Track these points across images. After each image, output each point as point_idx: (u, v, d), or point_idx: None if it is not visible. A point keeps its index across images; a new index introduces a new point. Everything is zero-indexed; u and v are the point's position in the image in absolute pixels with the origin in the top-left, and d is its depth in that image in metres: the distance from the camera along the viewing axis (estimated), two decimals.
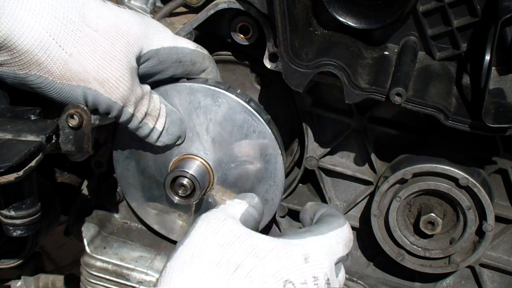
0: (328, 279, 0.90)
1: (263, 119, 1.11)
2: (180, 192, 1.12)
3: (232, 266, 0.83)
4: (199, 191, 1.11)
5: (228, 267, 0.83)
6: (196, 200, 1.13)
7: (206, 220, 0.90)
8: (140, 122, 1.03)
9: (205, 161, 1.13)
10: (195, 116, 1.11)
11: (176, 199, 1.12)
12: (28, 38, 0.87)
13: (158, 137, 1.07)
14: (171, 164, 1.14)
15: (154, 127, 1.05)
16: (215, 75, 1.16)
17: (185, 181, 1.10)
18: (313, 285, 0.87)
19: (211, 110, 1.10)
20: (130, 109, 1.00)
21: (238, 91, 1.12)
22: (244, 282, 0.82)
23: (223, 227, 0.88)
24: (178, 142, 1.12)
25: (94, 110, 0.97)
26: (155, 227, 1.28)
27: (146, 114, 1.03)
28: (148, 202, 1.24)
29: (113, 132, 1.26)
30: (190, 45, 1.09)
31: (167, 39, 1.05)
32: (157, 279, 0.87)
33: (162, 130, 1.07)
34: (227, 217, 0.91)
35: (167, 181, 1.11)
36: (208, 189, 1.16)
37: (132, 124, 1.03)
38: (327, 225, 0.97)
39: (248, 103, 1.10)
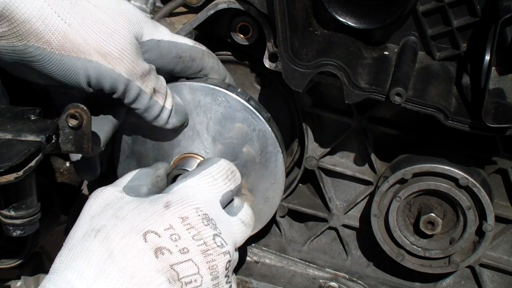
0: (205, 214, 0.88)
1: (263, 117, 1.11)
2: None
3: (94, 232, 0.84)
4: None
5: (91, 234, 0.84)
6: None
7: (89, 198, 0.91)
8: (150, 99, 0.98)
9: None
10: (195, 115, 1.11)
11: None
12: (26, 7, 0.85)
13: (169, 117, 1.03)
14: (172, 163, 1.14)
15: (164, 106, 1.01)
16: (218, 70, 1.13)
17: None
18: (183, 225, 0.86)
19: (211, 109, 1.09)
20: (137, 83, 0.95)
21: (238, 89, 1.12)
22: (104, 244, 0.82)
23: (97, 200, 0.90)
24: (184, 124, 1.09)
25: (99, 90, 0.94)
26: None
27: (154, 91, 0.99)
28: None
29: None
30: (188, 41, 1.08)
31: (167, 34, 1.04)
32: None
33: (171, 109, 1.03)
34: (107, 188, 0.92)
35: (169, 179, 1.11)
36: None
37: (142, 102, 0.97)
38: (201, 167, 0.97)
39: (248, 101, 1.10)
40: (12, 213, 0.89)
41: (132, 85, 0.95)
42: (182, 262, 0.83)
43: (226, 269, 0.87)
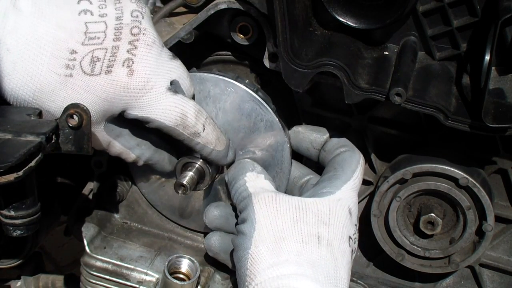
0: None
1: (271, 108, 1.13)
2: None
3: (314, 239, 0.94)
4: (208, 177, 1.14)
5: (312, 241, 0.93)
6: (206, 186, 1.16)
7: (262, 201, 0.99)
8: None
9: None
10: (205, 105, 1.13)
11: None
12: None
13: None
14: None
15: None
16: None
17: (196, 168, 1.13)
18: (354, 239, 1.02)
19: (220, 99, 1.13)
20: None
21: (246, 81, 1.16)
22: (328, 250, 0.93)
23: (280, 204, 0.98)
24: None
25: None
26: (165, 213, 1.30)
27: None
28: (159, 189, 1.26)
29: None
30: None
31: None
32: (244, 268, 0.95)
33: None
34: (272, 191, 1.01)
35: (178, 167, 1.13)
36: (217, 176, 1.19)
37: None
38: (349, 166, 1.08)
39: (256, 92, 1.13)
40: (12, 213, 0.89)
41: None
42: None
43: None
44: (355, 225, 1.04)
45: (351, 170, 1.07)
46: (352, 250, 1.00)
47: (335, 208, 0.99)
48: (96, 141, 1.03)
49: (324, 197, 1.01)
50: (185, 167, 1.13)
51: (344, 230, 0.98)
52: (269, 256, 0.92)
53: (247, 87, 1.13)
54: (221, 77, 1.12)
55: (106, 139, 1.04)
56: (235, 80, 1.13)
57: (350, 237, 0.99)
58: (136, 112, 1.00)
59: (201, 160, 1.13)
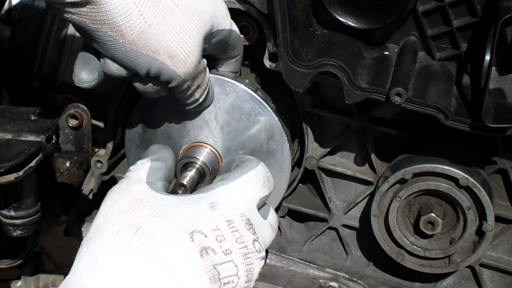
0: (248, 219, 0.90)
1: (270, 108, 1.13)
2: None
3: (132, 229, 0.84)
4: (208, 177, 1.13)
5: (128, 231, 0.83)
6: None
7: (110, 193, 0.91)
8: (192, 93, 1.02)
9: (214, 148, 1.15)
10: None
11: None
12: (114, 1, 0.85)
13: (195, 106, 1.07)
14: (181, 151, 1.16)
15: (197, 98, 1.05)
16: (240, 60, 1.15)
17: (196, 168, 1.12)
18: (229, 228, 0.87)
19: (219, 99, 1.12)
20: (189, 82, 0.99)
21: (246, 80, 1.15)
22: (146, 242, 0.82)
23: (125, 196, 0.89)
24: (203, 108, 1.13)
25: (152, 78, 0.96)
26: None
27: (198, 87, 1.03)
28: None
29: (113, 132, 1.27)
30: (237, 29, 1.09)
31: (227, 21, 1.04)
32: None
33: (202, 101, 1.07)
34: (131, 183, 0.91)
35: (178, 167, 1.13)
36: (217, 176, 1.18)
37: (182, 94, 1.01)
38: (239, 170, 0.98)
39: (255, 91, 1.13)
40: (12, 213, 0.89)
41: (184, 83, 0.98)
42: (224, 262, 0.85)
43: (259, 274, 0.90)
44: (231, 227, 0.88)
45: (239, 173, 0.97)
46: (204, 248, 0.84)
47: (187, 203, 0.88)
48: None
49: (185, 195, 0.93)
50: (185, 167, 1.13)
51: (187, 224, 0.85)
52: (85, 244, 0.85)
53: (246, 86, 1.13)
54: (220, 76, 1.12)
55: None
56: (234, 80, 1.12)
57: (199, 232, 0.85)
58: None
59: (201, 160, 1.13)
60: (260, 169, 0.99)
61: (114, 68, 0.94)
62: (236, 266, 0.86)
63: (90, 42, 0.91)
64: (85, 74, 0.95)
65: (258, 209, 0.96)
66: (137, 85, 0.98)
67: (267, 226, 0.96)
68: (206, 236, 0.85)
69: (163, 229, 0.84)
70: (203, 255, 0.84)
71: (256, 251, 0.88)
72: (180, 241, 0.84)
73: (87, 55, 0.96)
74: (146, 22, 0.89)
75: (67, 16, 0.87)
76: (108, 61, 0.93)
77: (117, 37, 0.88)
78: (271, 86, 1.24)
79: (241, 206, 0.90)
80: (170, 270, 0.81)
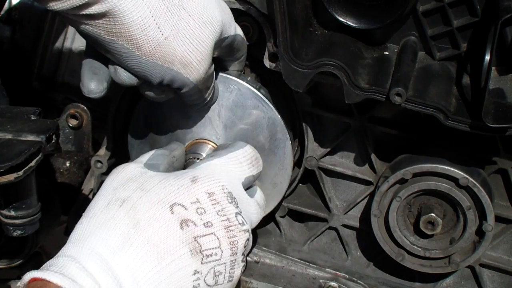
0: (230, 193, 0.92)
1: (273, 105, 1.14)
2: None
3: (119, 202, 0.86)
4: None
5: (115, 204, 0.86)
6: None
7: (110, 174, 0.94)
8: (200, 96, 1.03)
9: (217, 145, 1.16)
10: None
11: None
12: (131, 14, 0.85)
13: (201, 106, 1.07)
14: (184, 148, 1.16)
15: (204, 99, 1.06)
16: (243, 61, 1.15)
17: None
18: (209, 200, 0.89)
19: (222, 96, 1.12)
20: (200, 86, 1.00)
21: (249, 78, 1.16)
22: (130, 214, 0.84)
23: (120, 174, 0.92)
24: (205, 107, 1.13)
25: (164, 85, 0.96)
26: None
27: (205, 88, 1.04)
28: None
29: (113, 132, 1.27)
30: (241, 32, 1.09)
31: (233, 26, 1.05)
32: None
33: (209, 100, 1.08)
34: (129, 164, 0.94)
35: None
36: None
37: (191, 97, 1.02)
38: (227, 149, 1.01)
39: (258, 89, 1.13)
40: (12, 213, 0.89)
41: (195, 88, 0.99)
42: (206, 235, 0.87)
43: (244, 247, 0.91)
44: (212, 199, 0.90)
45: (226, 152, 1.01)
46: (184, 220, 0.86)
47: (171, 178, 0.90)
48: None
49: (173, 172, 0.94)
50: (188, 163, 1.13)
51: (168, 197, 0.87)
52: (80, 219, 0.87)
53: (249, 84, 1.13)
54: (224, 74, 1.13)
55: None
56: (238, 77, 1.13)
57: (179, 204, 0.87)
58: None
59: (204, 156, 1.13)
60: (248, 149, 1.02)
61: (126, 77, 0.94)
62: (218, 238, 0.87)
63: (104, 53, 0.91)
64: (94, 84, 0.94)
65: (246, 189, 0.98)
66: (148, 93, 0.98)
67: (253, 203, 0.98)
68: (186, 209, 0.87)
69: (145, 201, 0.86)
70: (183, 227, 0.85)
71: (239, 223, 0.90)
72: (161, 213, 0.85)
73: (93, 63, 0.95)
74: (162, 34, 0.89)
75: (82, 28, 0.86)
76: (120, 70, 0.93)
77: (133, 49, 0.88)
78: (271, 86, 1.25)
79: (223, 180, 0.92)
80: (151, 241, 0.83)
